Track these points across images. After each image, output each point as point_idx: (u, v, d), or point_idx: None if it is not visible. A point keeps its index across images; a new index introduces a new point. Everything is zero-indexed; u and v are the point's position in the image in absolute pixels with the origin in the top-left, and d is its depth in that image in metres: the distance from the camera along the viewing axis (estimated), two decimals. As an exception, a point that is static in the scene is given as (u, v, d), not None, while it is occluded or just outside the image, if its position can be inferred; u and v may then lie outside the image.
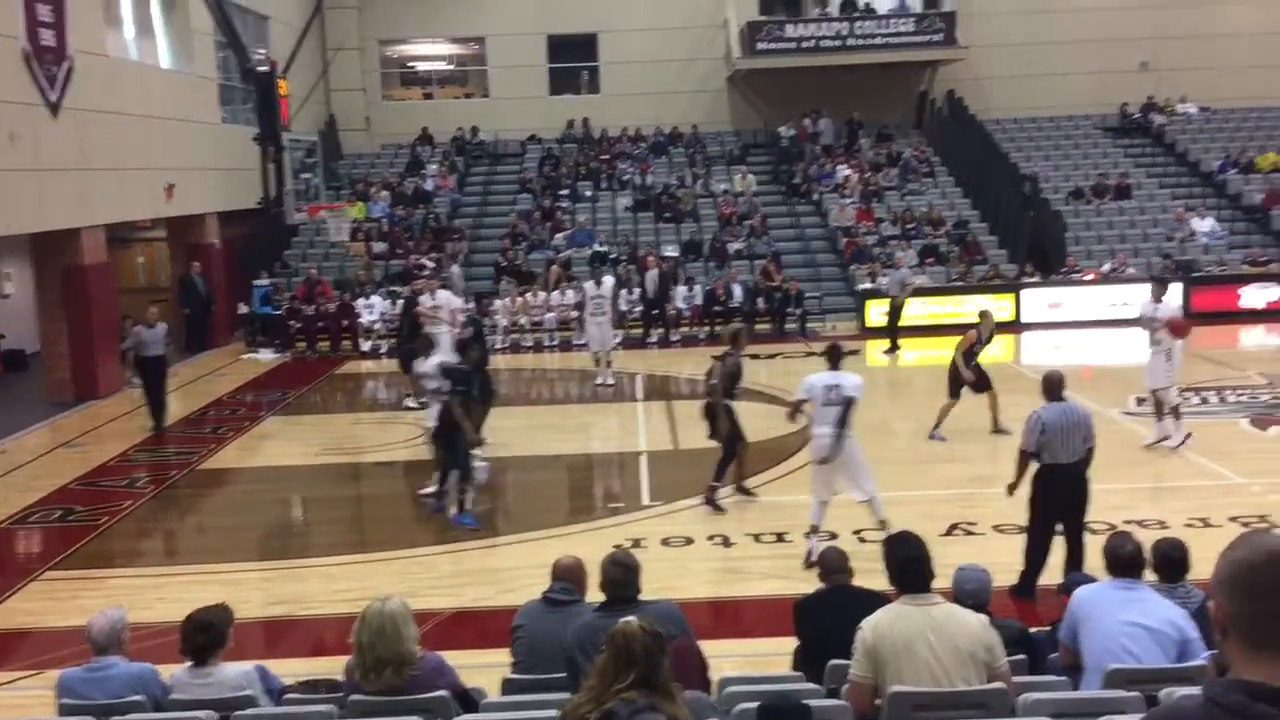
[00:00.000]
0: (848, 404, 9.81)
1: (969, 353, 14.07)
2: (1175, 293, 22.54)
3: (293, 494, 13.76)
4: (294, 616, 9.42)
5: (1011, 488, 9.33)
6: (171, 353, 16.74)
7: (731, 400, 11.86)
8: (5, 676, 8.23)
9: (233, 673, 5.61)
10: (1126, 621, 5.41)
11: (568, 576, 6.05)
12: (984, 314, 14.66)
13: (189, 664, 5.64)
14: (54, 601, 9.91)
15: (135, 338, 16.55)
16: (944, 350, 20.29)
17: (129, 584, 10.26)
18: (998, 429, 13.94)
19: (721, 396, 11.76)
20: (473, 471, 11.60)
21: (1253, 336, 22.10)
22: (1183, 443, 13.19)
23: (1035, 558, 8.98)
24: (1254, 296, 23.41)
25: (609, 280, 19.15)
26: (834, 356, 10.28)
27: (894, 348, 21.07)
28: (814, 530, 10.04)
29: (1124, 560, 5.74)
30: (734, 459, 11.87)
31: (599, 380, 18.48)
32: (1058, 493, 8.89)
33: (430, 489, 12.07)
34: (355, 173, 30.30)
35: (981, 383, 14.22)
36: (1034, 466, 9.00)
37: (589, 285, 19.35)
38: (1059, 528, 9.01)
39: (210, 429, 16.85)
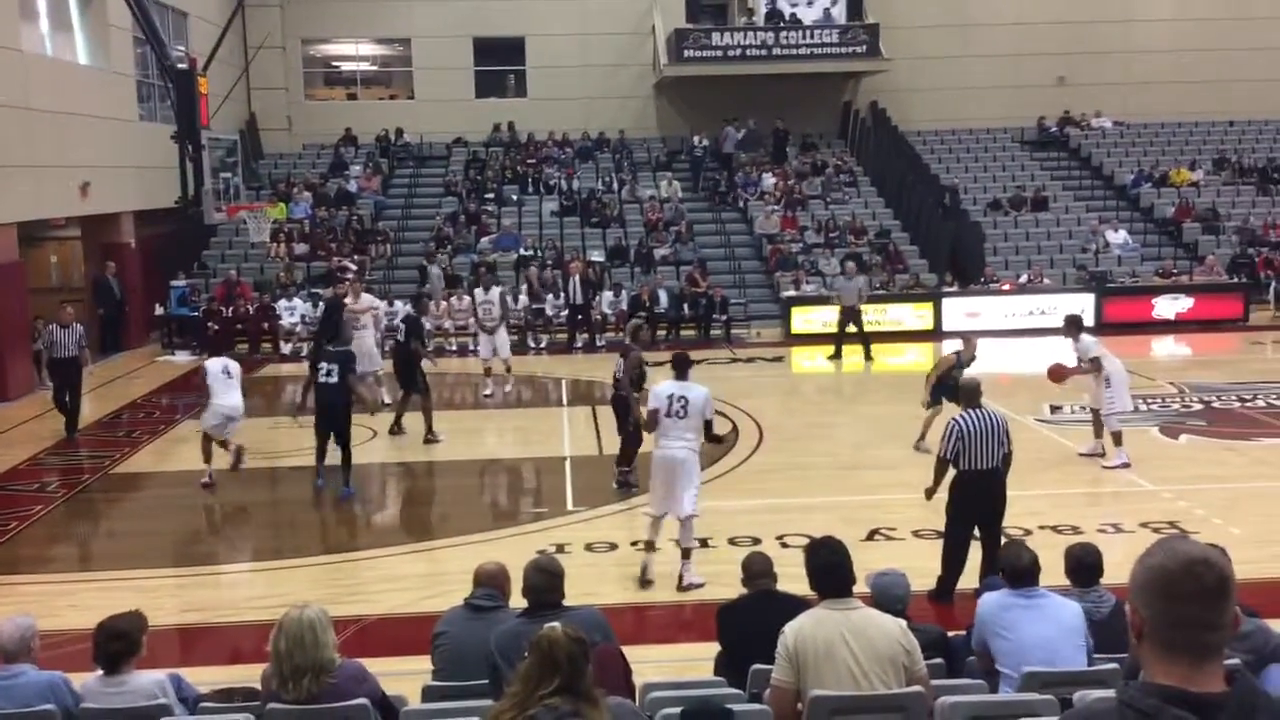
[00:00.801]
0: (703, 418, 9.52)
1: (945, 375, 13.66)
2: (1086, 302, 23.15)
3: (209, 499, 13.49)
4: (209, 624, 9.26)
5: (929, 493, 9.48)
6: (87, 355, 16.25)
7: (638, 392, 12.33)
8: (-93, 687, 7.96)
9: (146, 681, 5.50)
10: (1034, 627, 5.55)
11: (491, 582, 6.01)
12: (967, 339, 14.32)
13: (100, 672, 5.52)
14: (-41, 609, 9.63)
15: (48, 337, 16.24)
16: (858, 358, 20.65)
17: (39, 590, 10.02)
18: (919, 446, 13.92)
19: (630, 389, 12.40)
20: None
21: (1164, 346, 22.67)
22: (1116, 466, 13.01)
23: (953, 563, 9.12)
24: (1166, 307, 24.02)
25: (496, 289, 18.90)
26: (680, 366, 9.79)
27: (868, 356, 20.79)
28: (650, 546, 9.78)
29: (1022, 570, 5.87)
30: (639, 445, 12.27)
31: (484, 391, 18.23)
32: (976, 498, 9.01)
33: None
34: (276, 173, 29.88)
35: (934, 400, 13.92)
36: (951, 473, 9.12)
37: (477, 292, 19.18)
38: (975, 533, 9.15)
39: (124, 432, 16.50)
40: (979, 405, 9.16)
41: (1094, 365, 13.41)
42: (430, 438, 15.05)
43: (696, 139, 30.19)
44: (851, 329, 20.86)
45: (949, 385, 12.96)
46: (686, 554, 9.62)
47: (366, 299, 17.60)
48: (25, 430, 16.54)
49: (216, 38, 25.72)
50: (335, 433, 12.63)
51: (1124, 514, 11.23)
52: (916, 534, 10.80)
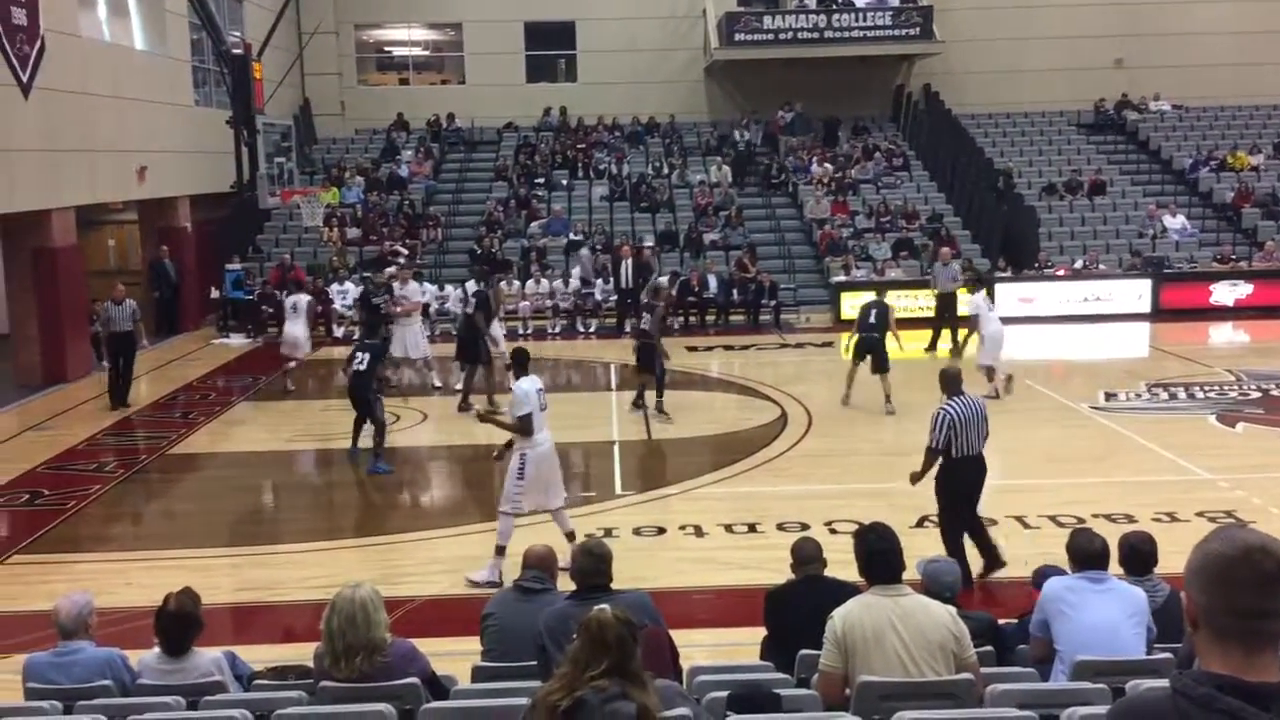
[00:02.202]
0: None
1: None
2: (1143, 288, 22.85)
3: (263, 479, 13.69)
4: (264, 603, 9.39)
5: (915, 478, 9.44)
6: (140, 331, 17.19)
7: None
8: (-30, 660, 8.16)
9: (202, 659, 5.59)
10: (1099, 613, 5.48)
11: (540, 565, 6.05)
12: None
13: (157, 649, 5.61)
14: (21, 585, 9.83)
15: (104, 314, 17.01)
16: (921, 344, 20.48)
17: (97, 568, 10.19)
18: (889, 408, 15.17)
19: (658, 339, 14.98)
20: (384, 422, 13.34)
21: (1222, 333, 22.31)
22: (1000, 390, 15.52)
23: (957, 549, 9.10)
24: (1224, 294, 23.62)
25: (454, 291, 18.62)
26: (519, 361, 9.90)
27: (943, 344, 20.07)
28: (501, 551, 9.39)
29: (1094, 554, 5.80)
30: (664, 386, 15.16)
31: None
32: (966, 483, 9.12)
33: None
34: (329, 158, 30.13)
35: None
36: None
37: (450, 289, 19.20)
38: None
39: (180, 414, 16.74)
40: (961, 392, 9.24)
41: (972, 323, 16.28)
42: (466, 406, 15.63)
43: (738, 133, 29.92)
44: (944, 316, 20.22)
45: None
46: (571, 536, 9.44)
47: (413, 288, 17.84)
48: (84, 411, 16.82)
49: (271, 23, 25.96)
50: (362, 416, 13.47)
51: (1179, 503, 11.07)
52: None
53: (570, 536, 9.40)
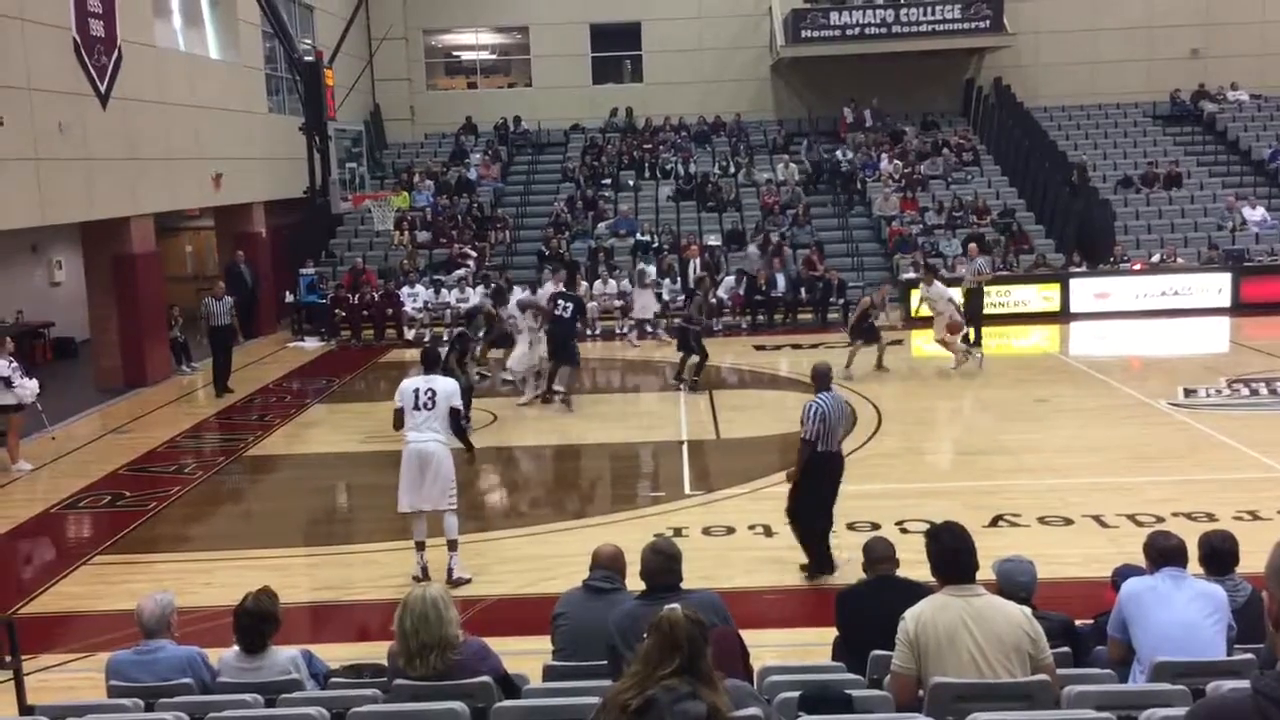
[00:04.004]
0: (451, 410, 9.64)
1: (862, 317, 17.84)
2: (1223, 282, 22.37)
3: (338, 480, 13.89)
4: (339, 602, 9.52)
5: (791, 476, 9.51)
6: (237, 324, 18.64)
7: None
8: (56, 658, 8.36)
9: (280, 657, 5.67)
10: (1179, 612, 5.38)
11: (610, 565, 6.06)
12: (878, 287, 19.49)
13: (236, 648, 5.71)
14: (104, 585, 10.07)
15: (205, 309, 18.33)
16: (998, 340, 20.24)
17: (177, 568, 10.41)
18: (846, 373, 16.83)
19: (700, 324, 17.26)
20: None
21: (1305, 327, 21.75)
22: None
23: (811, 541, 9.33)
24: (1306, 286, 23.02)
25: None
26: (429, 363, 10.09)
27: (976, 340, 19.79)
28: (420, 546, 9.68)
29: (1170, 550, 5.69)
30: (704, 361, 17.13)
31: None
32: (826, 477, 9.27)
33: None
34: (399, 162, 30.51)
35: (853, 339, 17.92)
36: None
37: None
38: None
39: (257, 416, 17.02)
40: (829, 388, 9.36)
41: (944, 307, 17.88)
42: (550, 397, 16.34)
43: (806, 142, 29.56)
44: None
45: (867, 326, 17.82)
46: (452, 545, 9.63)
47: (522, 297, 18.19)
48: (164, 414, 17.18)
49: (341, 30, 26.31)
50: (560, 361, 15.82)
51: (1261, 501, 10.82)
52: (1042, 520, 10.58)
53: (451, 546, 9.65)
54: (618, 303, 23.34)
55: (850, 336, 18.14)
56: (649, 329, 22.37)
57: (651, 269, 23.50)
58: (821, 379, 9.45)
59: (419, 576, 9.44)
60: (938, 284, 18.31)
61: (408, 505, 9.65)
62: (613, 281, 23.65)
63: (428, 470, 9.50)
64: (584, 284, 23.46)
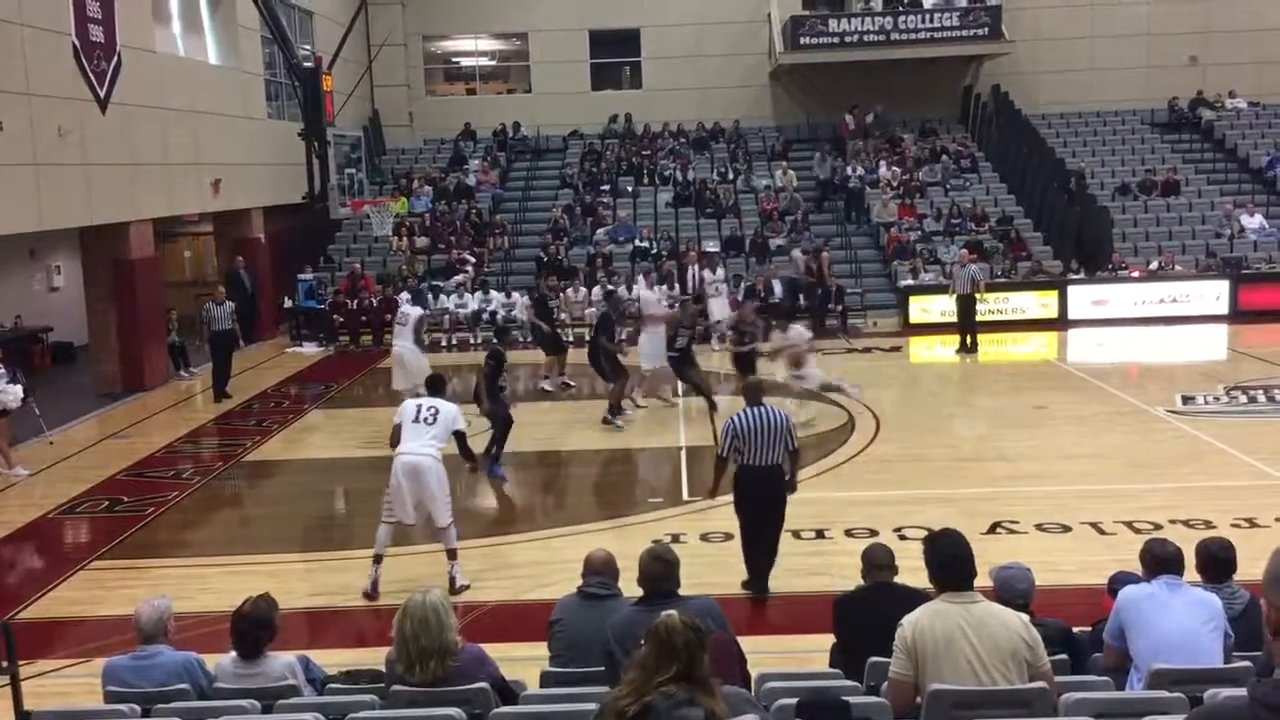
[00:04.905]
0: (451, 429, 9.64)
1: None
2: (1221, 289, 22.45)
3: (336, 486, 13.89)
4: (337, 607, 9.50)
5: (711, 492, 9.70)
6: (238, 329, 18.69)
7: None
8: (53, 664, 8.35)
9: (277, 663, 5.67)
10: (1176, 620, 5.38)
11: (603, 570, 6.05)
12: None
13: (233, 654, 5.70)
14: (101, 590, 10.06)
15: (207, 314, 18.45)
16: (996, 347, 20.26)
17: (175, 574, 10.40)
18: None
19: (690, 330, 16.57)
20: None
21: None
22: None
23: (750, 555, 9.31)
24: (1304, 294, 23.03)
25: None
26: (433, 386, 10.45)
27: (972, 346, 20.20)
28: (378, 559, 9.61)
29: (1166, 558, 5.69)
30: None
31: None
32: (755, 494, 9.20)
33: None
34: (398, 168, 30.50)
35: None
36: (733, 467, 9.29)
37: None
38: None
39: (255, 421, 17.01)
40: (760, 403, 9.28)
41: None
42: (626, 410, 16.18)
43: (817, 157, 29.37)
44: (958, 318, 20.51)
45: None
46: (452, 555, 9.64)
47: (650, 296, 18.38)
48: (162, 419, 17.18)
49: (341, 36, 26.31)
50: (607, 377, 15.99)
51: (1260, 509, 10.82)
52: (1040, 527, 10.58)
53: (451, 555, 9.66)
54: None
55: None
56: None
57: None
58: (749, 393, 9.46)
59: (369, 592, 9.43)
60: (794, 328, 16.55)
61: (402, 517, 9.51)
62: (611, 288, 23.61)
63: (418, 483, 9.37)
64: (582, 289, 23.53)
